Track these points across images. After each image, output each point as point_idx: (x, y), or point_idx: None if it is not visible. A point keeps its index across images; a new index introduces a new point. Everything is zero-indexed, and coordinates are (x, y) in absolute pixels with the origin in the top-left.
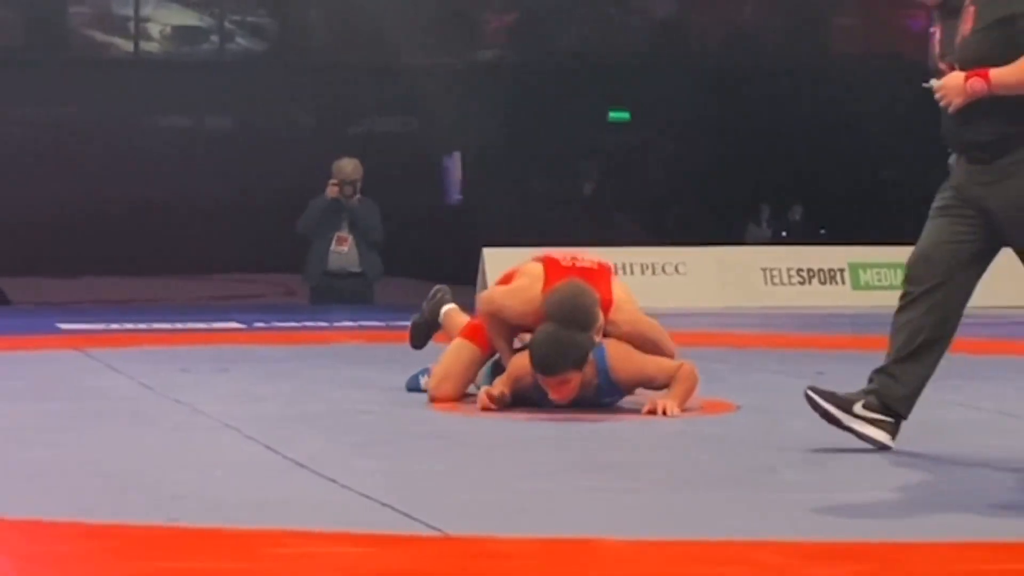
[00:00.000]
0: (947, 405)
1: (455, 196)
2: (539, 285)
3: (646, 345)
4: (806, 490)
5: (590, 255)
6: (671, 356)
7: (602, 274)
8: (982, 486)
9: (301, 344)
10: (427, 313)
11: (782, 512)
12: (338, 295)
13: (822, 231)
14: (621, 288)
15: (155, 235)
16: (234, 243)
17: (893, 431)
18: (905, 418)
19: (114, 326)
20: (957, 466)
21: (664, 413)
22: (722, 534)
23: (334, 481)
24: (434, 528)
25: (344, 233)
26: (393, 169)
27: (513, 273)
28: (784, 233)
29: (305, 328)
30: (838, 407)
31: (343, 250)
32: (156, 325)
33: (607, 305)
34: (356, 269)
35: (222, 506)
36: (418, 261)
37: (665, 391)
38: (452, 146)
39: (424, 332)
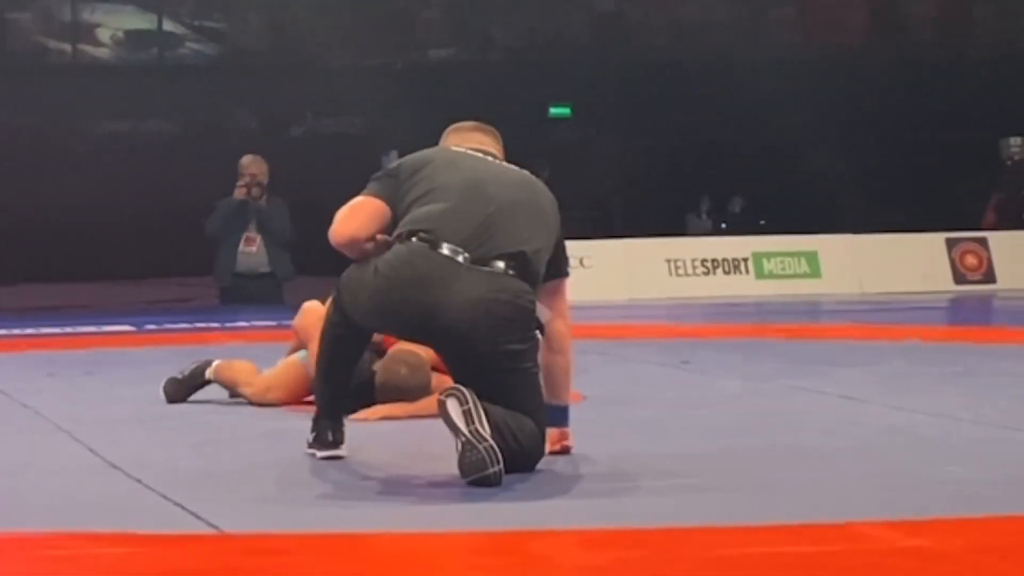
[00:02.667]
0: (793, 391)
1: None
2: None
3: None
4: (596, 480)
5: None
6: None
7: None
8: (776, 470)
9: (186, 345)
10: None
11: (565, 502)
12: (248, 296)
13: (761, 222)
14: None
15: (96, 240)
16: (176, 246)
17: None
18: None
19: (1, 332)
20: (764, 452)
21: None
22: (501, 525)
23: (139, 482)
24: (213, 526)
25: (252, 233)
26: (336, 170)
27: None
28: (724, 224)
29: (196, 329)
30: None
31: (252, 251)
32: (44, 330)
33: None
34: (266, 269)
35: (16, 509)
36: (333, 260)
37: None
38: (392, 145)
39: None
